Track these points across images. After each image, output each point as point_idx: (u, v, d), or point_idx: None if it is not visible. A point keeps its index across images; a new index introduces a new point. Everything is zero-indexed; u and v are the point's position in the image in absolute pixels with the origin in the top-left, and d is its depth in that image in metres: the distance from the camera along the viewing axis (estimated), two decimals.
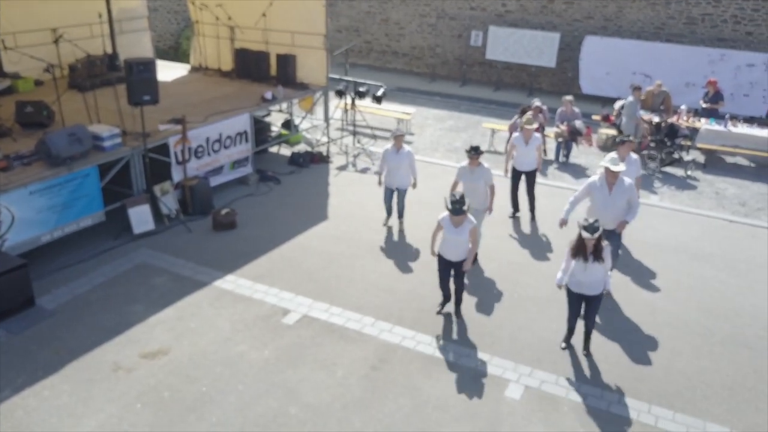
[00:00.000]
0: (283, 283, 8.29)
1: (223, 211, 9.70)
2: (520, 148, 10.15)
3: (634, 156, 9.13)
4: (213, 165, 10.62)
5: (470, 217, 7.28)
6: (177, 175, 9.94)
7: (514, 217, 10.54)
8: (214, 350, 6.95)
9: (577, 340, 7.26)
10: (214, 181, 10.68)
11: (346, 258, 9.01)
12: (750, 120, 14.46)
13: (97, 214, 8.97)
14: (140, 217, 9.27)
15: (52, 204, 8.33)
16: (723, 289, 8.64)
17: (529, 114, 13.40)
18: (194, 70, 14.44)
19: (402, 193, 9.82)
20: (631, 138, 9.21)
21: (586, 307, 6.98)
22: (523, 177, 10.31)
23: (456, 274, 7.50)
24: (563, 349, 7.21)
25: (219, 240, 9.39)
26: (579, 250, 6.66)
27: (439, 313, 7.77)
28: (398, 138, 9.52)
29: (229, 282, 8.27)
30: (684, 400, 6.54)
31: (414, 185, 9.85)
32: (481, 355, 7.07)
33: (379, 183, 9.86)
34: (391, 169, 9.63)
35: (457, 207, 7.08)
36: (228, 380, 6.50)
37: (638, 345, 7.34)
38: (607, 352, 7.19)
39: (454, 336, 7.39)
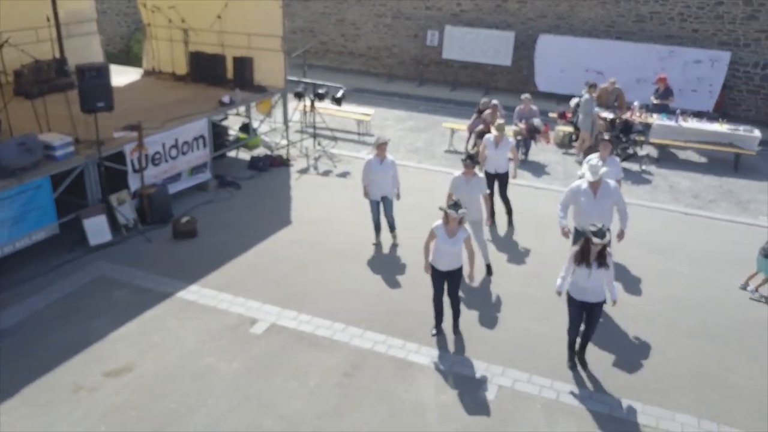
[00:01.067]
0: (249, 292, 8.11)
1: (184, 219, 9.45)
2: (490, 151, 10.03)
3: (614, 157, 9.19)
4: (171, 172, 10.33)
5: (465, 226, 7.12)
6: (134, 183, 9.63)
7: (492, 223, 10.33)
8: (180, 364, 6.75)
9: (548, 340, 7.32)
10: (173, 188, 10.39)
11: (313, 263, 8.89)
12: (699, 115, 14.90)
13: (50, 227, 8.62)
14: (96, 229, 8.95)
15: (2, 218, 7.95)
16: (683, 281, 8.85)
17: (487, 113, 13.53)
18: (147, 74, 14.07)
19: (389, 204, 9.35)
20: (607, 137, 9.21)
21: (588, 316, 6.81)
22: (495, 180, 10.16)
23: (451, 286, 7.27)
24: (570, 368, 6.95)
25: (180, 249, 9.14)
26: (584, 256, 6.51)
27: (435, 335, 7.40)
28: (382, 146, 9.02)
29: (193, 292, 8.05)
30: (652, 392, 6.66)
31: (398, 196, 9.47)
32: (453, 356, 7.06)
33: (365, 195, 9.32)
34: (375, 180, 9.12)
35: (455, 208, 6.89)
36: (197, 395, 6.31)
37: (606, 340, 7.43)
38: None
39: (426, 339, 7.35)
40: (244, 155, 12.90)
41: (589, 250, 6.47)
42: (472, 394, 6.50)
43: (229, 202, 10.80)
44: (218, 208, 10.54)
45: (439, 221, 7.08)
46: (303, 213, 10.45)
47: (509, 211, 10.39)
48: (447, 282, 7.27)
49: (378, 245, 9.51)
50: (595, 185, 7.78)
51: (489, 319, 7.78)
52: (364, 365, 6.86)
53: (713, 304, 8.33)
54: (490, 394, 6.49)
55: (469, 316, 7.80)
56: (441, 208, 7.08)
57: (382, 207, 9.35)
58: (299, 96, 13.07)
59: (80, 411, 6.06)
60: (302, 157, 12.97)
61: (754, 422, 6.29)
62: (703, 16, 16.80)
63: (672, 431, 6.15)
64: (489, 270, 8.78)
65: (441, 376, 6.73)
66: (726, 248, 9.93)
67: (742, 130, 13.61)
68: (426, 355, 7.06)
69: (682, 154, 14.33)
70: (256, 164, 12.25)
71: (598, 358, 7.13)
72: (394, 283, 8.46)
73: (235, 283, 8.31)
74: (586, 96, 13.36)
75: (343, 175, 12.22)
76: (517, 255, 9.44)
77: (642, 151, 13.80)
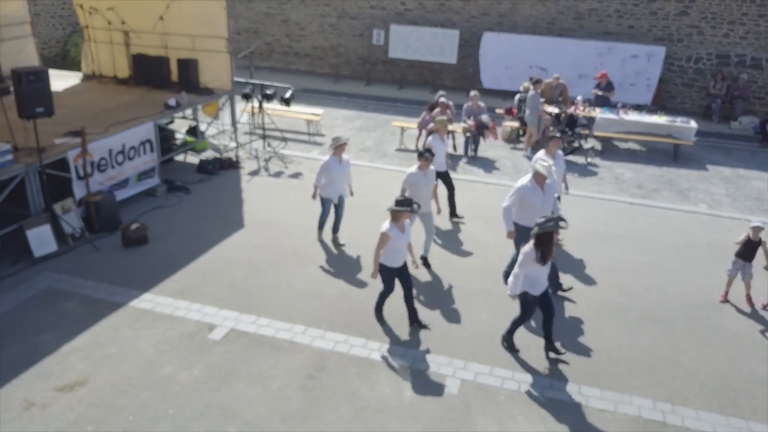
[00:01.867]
0: (206, 298, 7.95)
1: (133, 226, 9.18)
2: (436, 149, 10.09)
3: (559, 152, 9.40)
4: (118, 178, 10.02)
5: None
6: (79, 191, 9.29)
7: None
8: (138, 375, 6.55)
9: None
10: (121, 195, 10.08)
11: (269, 266, 8.78)
12: (638, 108, 15.44)
13: None
14: (41, 239, 8.59)
15: None
16: (632, 269, 9.15)
17: (437, 110, 13.67)
18: (87, 78, 13.59)
19: (343, 203, 9.43)
20: (558, 134, 9.38)
21: (547, 305, 6.97)
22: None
23: (407, 280, 7.38)
24: (508, 348, 7.17)
25: (131, 257, 8.88)
26: (549, 252, 6.59)
27: (424, 326, 7.51)
28: (340, 147, 9.02)
29: (147, 301, 7.83)
30: (609, 377, 6.86)
31: (351, 194, 9.54)
32: (415, 352, 7.10)
33: (314, 196, 9.32)
34: (334, 181, 9.13)
35: (407, 203, 7.01)
36: (157, 406, 6.15)
37: (562, 329, 7.61)
38: (534, 340, 7.41)
39: (387, 336, 7.37)
40: (193, 159, 12.63)
41: (552, 244, 6.59)
42: (436, 389, 6.55)
43: (180, 207, 10.55)
44: (168, 214, 10.28)
45: (387, 224, 7.11)
46: (256, 215, 10.31)
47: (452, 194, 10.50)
48: (401, 277, 7.36)
49: (309, 232, 9.70)
50: (541, 181, 7.92)
51: (448, 314, 7.85)
52: (326, 366, 6.82)
53: (660, 289, 8.64)
54: (454, 389, 6.55)
55: (429, 312, 7.86)
56: (390, 209, 7.12)
57: (333, 207, 9.39)
58: (247, 97, 12.89)
59: (33, 429, 5.81)
60: (252, 159, 12.79)
61: (705, 401, 6.56)
62: (638, 13, 17.41)
63: (630, 414, 6.34)
64: (426, 263, 8.91)
65: (404, 373, 6.76)
66: (670, 235, 10.32)
67: (679, 121, 14.18)
68: (388, 353, 7.07)
69: (625, 146, 14.81)
70: (205, 168, 12.01)
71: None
72: (352, 283, 8.44)
73: (191, 289, 8.13)
74: (532, 92, 13.65)
75: (295, 175, 12.12)
76: (470, 249, 9.56)
77: (587, 144, 14.20)
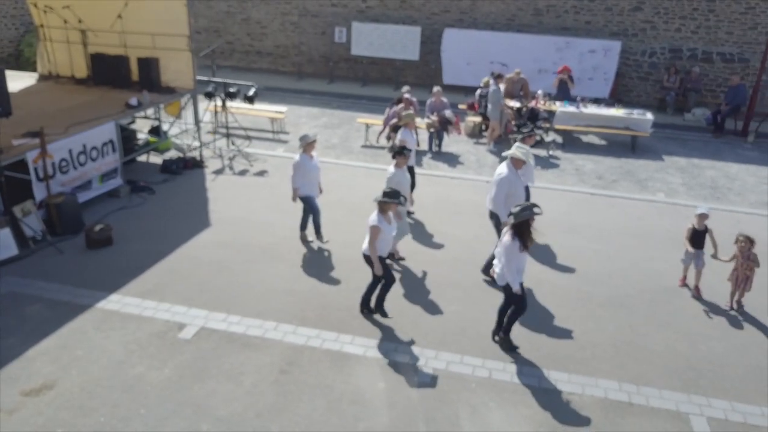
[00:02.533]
0: (174, 297, 7.88)
1: (97, 228, 9.02)
2: (410, 143, 10.08)
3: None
4: (81, 179, 9.83)
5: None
6: (39, 193, 9.09)
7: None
8: (108, 376, 6.46)
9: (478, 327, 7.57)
10: (84, 196, 9.89)
11: (237, 264, 8.74)
12: (596, 101, 15.79)
13: None
14: (0, 243, 8.38)
15: None
16: (594, 257, 9.39)
17: (401, 106, 13.75)
18: (43, 78, 13.27)
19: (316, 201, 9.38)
20: (534, 132, 9.56)
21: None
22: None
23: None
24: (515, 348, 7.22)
25: (96, 258, 8.73)
26: (529, 238, 6.65)
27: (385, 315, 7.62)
28: (310, 145, 9.01)
29: (114, 302, 7.72)
30: (576, 362, 7.04)
31: (321, 191, 9.48)
32: (387, 344, 7.17)
33: (294, 198, 9.13)
34: (310, 178, 9.07)
35: (394, 195, 7.13)
36: (128, 406, 6.08)
37: (529, 316, 7.74)
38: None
39: (359, 329, 7.42)
40: (156, 159, 12.46)
41: (530, 232, 6.68)
42: (408, 379, 6.62)
43: (144, 208, 10.41)
44: (133, 215, 10.13)
45: (375, 216, 7.15)
46: (222, 214, 10.24)
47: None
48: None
49: (277, 229, 9.71)
50: (521, 166, 8.15)
51: (419, 305, 7.95)
52: (299, 361, 6.84)
53: (622, 276, 8.90)
54: (427, 378, 6.65)
55: (399, 303, 7.94)
56: (378, 201, 7.16)
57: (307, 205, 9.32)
58: (210, 96, 12.77)
59: None
60: (216, 158, 12.68)
61: (668, 381, 6.79)
62: (594, 9, 17.80)
63: (597, 396, 6.52)
64: (393, 257, 8.89)
65: (377, 365, 6.82)
66: (629, 223, 10.62)
67: (636, 113, 14.58)
68: (360, 345, 7.13)
69: (585, 139, 15.14)
70: (168, 167, 11.86)
71: (523, 333, 7.44)
72: (322, 279, 8.46)
73: (159, 289, 8.04)
74: (493, 86, 13.85)
75: (261, 173, 12.06)
76: (437, 242, 9.67)
77: (548, 137, 14.47)
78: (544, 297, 8.28)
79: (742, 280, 8.12)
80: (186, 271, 8.51)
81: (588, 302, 8.23)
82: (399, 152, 8.63)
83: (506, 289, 6.96)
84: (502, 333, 7.22)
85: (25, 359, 6.67)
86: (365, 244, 7.36)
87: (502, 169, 8.29)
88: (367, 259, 7.36)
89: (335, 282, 8.40)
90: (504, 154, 8.44)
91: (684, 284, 8.70)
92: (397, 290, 8.25)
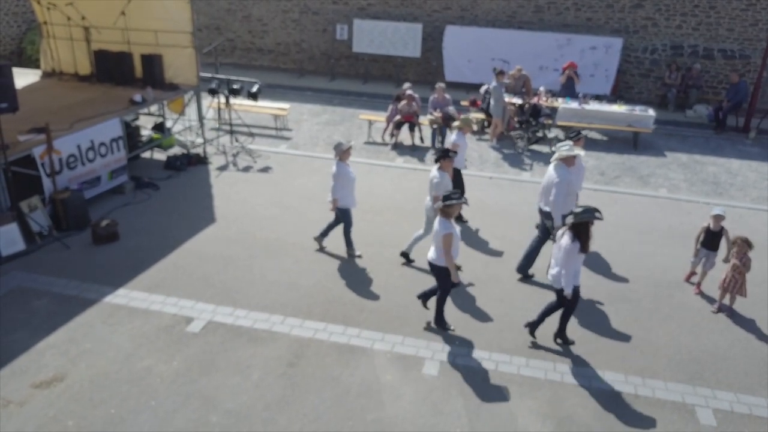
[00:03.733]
0: (181, 291, 7.91)
1: (103, 223, 9.05)
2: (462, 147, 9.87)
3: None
4: (90, 175, 9.86)
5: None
6: (48, 188, 9.12)
7: None
8: (116, 369, 6.50)
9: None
10: (92, 192, 9.93)
11: (242, 259, 8.77)
12: (598, 98, 15.83)
13: None
14: (7, 238, 8.42)
15: None
16: (598, 252, 9.41)
17: (403, 102, 13.80)
18: (47, 75, 13.30)
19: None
20: (582, 134, 9.40)
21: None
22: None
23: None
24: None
25: (102, 254, 8.76)
26: (587, 240, 6.64)
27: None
28: (346, 152, 8.64)
29: (121, 296, 7.75)
30: (582, 354, 7.09)
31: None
32: (394, 337, 7.21)
33: (333, 209, 8.72)
34: (350, 189, 8.64)
35: (457, 195, 6.91)
36: (138, 398, 6.12)
37: (534, 310, 7.78)
38: (508, 321, 7.60)
39: (365, 322, 7.46)
40: (160, 156, 12.49)
41: (590, 234, 6.66)
42: (415, 371, 6.67)
43: (149, 204, 10.44)
44: (138, 211, 10.16)
45: (443, 222, 6.86)
46: (226, 210, 10.27)
47: None
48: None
49: (280, 224, 9.56)
50: (573, 163, 8.12)
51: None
52: (306, 354, 6.88)
53: (625, 270, 8.94)
54: (433, 370, 6.69)
55: (401, 298, 7.98)
56: (442, 206, 6.90)
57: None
58: (213, 92, 12.80)
59: (12, 426, 5.73)
60: (220, 155, 12.71)
61: (673, 373, 6.84)
62: (596, 5, 17.83)
63: (602, 389, 6.57)
64: (408, 259, 8.87)
65: (384, 358, 6.86)
66: (632, 219, 10.66)
67: (638, 110, 14.61)
68: (368, 338, 7.16)
69: (587, 135, 15.16)
70: (173, 164, 11.89)
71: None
72: (327, 274, 8.50)
73: (165, 283, 8.07)
74: (494, 83, 13.88)
75: (264, 170, 12.09)
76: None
77: (551, 134, 14.51)
78: (549, 292, 8.28)
79: (730, 281, 7.88)
80: (192, 266, 8.54)
81: (592, 296, 8.26)
82: (445, 155, 8.29)
83: (559, 291, 6.89)
84: (557, 331, 7.19)
85: (34, 352, 6.71)
86: (433, 254, 7.05)
87: (557, 171, 8.11)
88: (436, 269, 7.06)
89: (340, 276, 8.44)
90: (554, 158, 8.22)
91: (689, 281, 8.70)
92: (400, 284, 8.30)
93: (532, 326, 7.25)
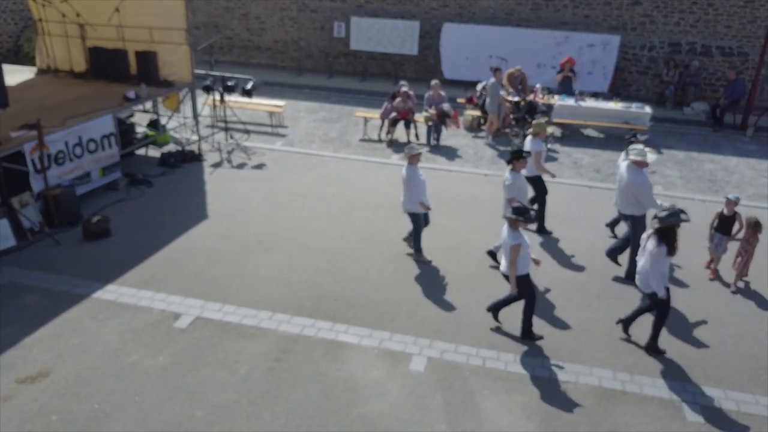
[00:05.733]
0: (170, 287, 7.91)
1: (94, 219, 9.06)
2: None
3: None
4: (78, 172, 9.86)
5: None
6: (37, 184, 9.13)
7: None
8: (102, 364, 6.50)
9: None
10: (83, 189, 9.93)
11: (233, 255, 8.76)
12: (595, 95, 15.77)
13: None
14: None
15: None
16: (591, 248, 9.39)
17: (398, 101, 13.78)
18: (42, 72, 13.31)
19: (427, 214, 8.79)
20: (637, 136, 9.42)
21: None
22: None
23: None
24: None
25: (93, 250, 8.76)
26: (675, 242, 6.61)
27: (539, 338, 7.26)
28: (416, 156, 8.45)
29: (111, 292, 7.76)
30: (570, 351, 7.06)
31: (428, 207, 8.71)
32: (382, 333, 7.19)
33: (425, 207, 8.56)
34: (422, 190, 8.48)
35: (523, 211, 6.78)
36: (123, 393, 6.12)
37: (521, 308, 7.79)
38: (498, 316, 7.55)
39: (354, 319, 7.44)
40: (154, 152, 12.49)
41: (676, 237, 6.63)
42: (402, 367, 6.65)
43: (142, 200, 10.44)
44: (131, 207, 10.17)
45: (519, 233, 6.82)
46: (219, 206, 10.26)
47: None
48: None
49: (273, 221, 9.52)
50: (644, 166, 8.17)
51: (414, 295, 7.97)
52: (294, 349, 6.87)
53: (619, 268, 8.89)
54: (420, 366, 6.67)
55: (392, 294, 7.96)
56: (507, 217, 6.86)
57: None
58: (208, 89, 12.78)
59: None
60: (215, 152, 12.70)
61: (662, 370, 6.80)
62: (593, 2, 17.76)
63: (590, 384, 6.54)
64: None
65: (372, 354, 6.84)
66: None
67: (634, 107, 14.56)
68: (355, 334, 7.15)
69: (583, 132, 15.13)
70: (167, 161, 11.89)
71: (515, 324, 7.45)
72: (317, 270, 8.48)
73: (155, 279, 8.07)
74: (492, 80, 13.85)
75: (259, 167, 12.08)
76: (435, 234, 9.66)
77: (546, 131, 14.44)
78: (540, 287, 8.28)
79: (737, 254, 8.40)
80: (182, 261, 8.54)
81: (584, 293, 8.24)
82: (517, 156, 8.16)
83: (652, 295, 6.86)
84: (650, 341, 7.10)
85: (21, 347, 6.72)
86: (504, 264, 7.04)
87: (635, 173, 8.16)
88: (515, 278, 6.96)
89: (331, 273, 8.43)
90: (630, 158, 8.23)
91: (709, 267, 8.88)
92: (392, 280, 8.28)
93: (625, 323, 7.31)
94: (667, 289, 6.84)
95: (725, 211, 8.58)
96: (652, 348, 7.08)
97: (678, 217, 6.58)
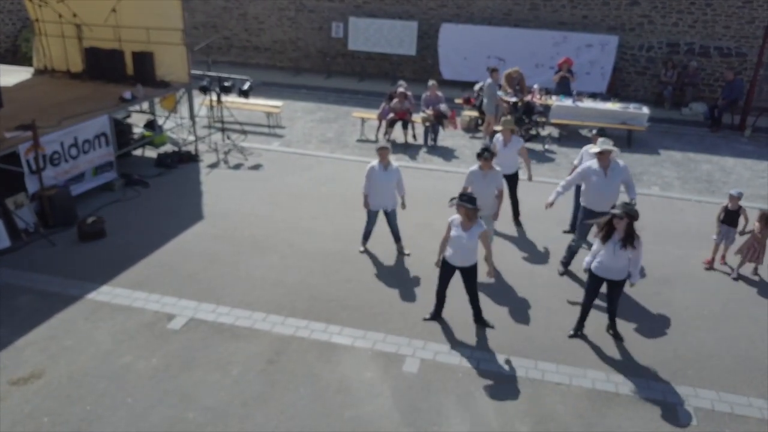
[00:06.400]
0: (165, 288, 7.90)
1: (89, 220, 9.05)
2: (499, 150, 9.69)
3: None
4: (73, 172, 9.85)
5: (480, 222, 7.02)
6: (32, 185, 9.12)
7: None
8: (95, 366, 6.49)
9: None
10: (77, 189, 9.92)
11: (228, 256, 8.76)
12: (593, 96, 15.75)
13: None
14: None
15: None
16: (585, 249, 9.35)
17: (395, 101, 13.78)
18: (39, 73, 13.30)
19: (392, 216, 8.85)
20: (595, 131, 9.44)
21: (610, 291, 7.11)
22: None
23: (468, 281, 7.20)
24: (571, 337, 7.28)
25: (88, 251, 8.76)
26: (608, 234, 6.73)
27: (428, 319, 7.45)
28: (382, 151, 8.53)
29: (105, 293, 7.75)
30: (564, 353, 7.05)
31: (403, 205, 8.94)
32: (376, 335, 7.18)
33: (366, 205, 8.75)
34: (378, 189, 8.58)
35: (470, 202, 6.85)
36: (115, 395, 6.11)
37: (519, 308, 7.79)
38: (491, 318, 7.55)
39: (348, 320, 7.43)
40: (151, 153, 12.49)
41: (614, 228, 6.69)
42: (396, 368, 6.64)
43: (138, 201, 10.44)
44: (126, 208, 10.16)
45: (455, 215, 7.01)
46: (215, 207, 10.25)
47: (516, 212, 10.23)
48: (462, 278, 7.19)
49: (268, 222, 9.55)
50: (605, 163, 8.06)
51: (407, 297, 7.96)
52: (287, 351, 6.86)
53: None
54: (413, 368, 6.66)
55: (388, 294, 7.95)
56: (453, 199, 6.96)
57: (384, 218, 8.88)
58: (205, 90, 12.78)
59: None
60: (211, 152, 12.70)
61: (656, 372, 6.79)
62: (591, 3, 17.75)
63: (584, 386, 6.53)
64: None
65: (365, 355, 6.84)
66: None
67: (632, 107, 14.54)
68: (349, 336, 7.14)
69: (581, 132, 15.11)
70: (163, 161, 11.88)
71: (513, 324, 7.46)
72: (312, 272, 8.47)
73: (149, 280, 8.07)
74: (489, 80, 13.83)
75: (255, 167, 12.08)
76: (427, 234, 9.65)
77: (544, 132, 14.45)
78: (533, 288, 8.28)
79: (749, 247, 8.70)
80: (177, 263, 8.53)
81: (577, 293, 8.19)
82: (479, 154, 8.29)
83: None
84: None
85: (14, 349, 6.71)
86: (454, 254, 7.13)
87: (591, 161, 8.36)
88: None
89: (325, 274, 8.42)
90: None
91: (710, 264, 9.06)
92: (385, 281, 8.27)
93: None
94: (592, 274, 7.07)
95: (730, 206, 8.90)
96: (578, 330, 7.33)
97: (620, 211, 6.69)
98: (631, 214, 6.64)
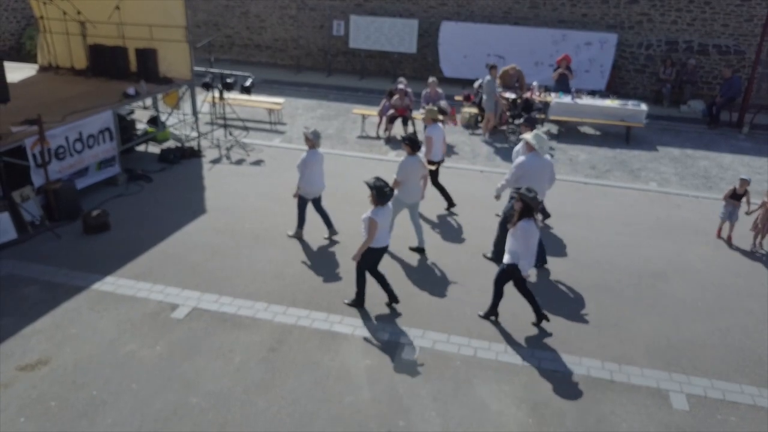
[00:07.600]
0: (168, 279, 8.04)
1: (94, 213, 9.19)
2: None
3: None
4: (77, 166, 9.99)
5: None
6: (38, 179, 9.26)
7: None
8: (100, 353, 6.63)
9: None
10: (81, 183, 10.06)
11: (230, 249, 8.89)
12: (592, 93, 15.88)
13: None
14: (0, 227, 8.56)
15: None
16: (584, 243, 9.51)
17: (396, 97, 13.90)
18: (43, 69, 13.45)
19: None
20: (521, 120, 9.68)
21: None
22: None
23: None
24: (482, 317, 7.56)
25: (92, 243, 8.90)
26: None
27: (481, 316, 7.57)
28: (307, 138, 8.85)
29: (109, 283, 7.89)
30: (560, 341, 7.17)
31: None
32: (375, 324, 7.31)
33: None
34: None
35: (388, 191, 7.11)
36: (120, 381, 6.24)
37: (518, 298, 7.89)
38: (483, 308, 7.67)
39: (348, 310, 7.56)
40: (154, 149, 12.63)
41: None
42: (395, 356, 6.77)
43: (141, 195, 10.58)
44: (130, 202, 10.30)
45: (376, 207, 7.13)
46: (217, 202, 10.39)
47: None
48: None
49: (267, 216, 9.80)
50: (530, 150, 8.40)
51: (407, 288, 8.08)
52: (288, 340, 6.99)
53: (611, 261, 9.02)
54: (412, 355, 6.79)
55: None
56: (366, 182, 7.18)
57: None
58: (207, 86, 12.93)
59: None
60: (214, 148, 12.84)
61: (650, 360, 6.92)
62: (591, 1, 17.88)
63: (579, 374, 6.66)
64: (421, 251, 8.98)
65: (365, 343, 6.97)
66: (620, 212, 10.73)
67: (630, 104, 14.67)
68: (350, 324, 7.28)
69: (580, 129, 15.24)
70: (166, 157, 12.02)
71: (511, 315, 7.58)
72: (313, 263, 8.60)
73: (153, 271, 8.20)
74: (488, 77, 13.96)
75: (257, 163, 12.22)
76: (429, 228, 9.80)
77: (543, 128, 14.57)
78: (532, 281, 8.40)
79: (762, 221, 9.39)
80: (180, 255, 8.67)
81: (576, 286, 8.35)
82: (402, 140, 8.65)
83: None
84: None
85: (21, 337, 6.85)
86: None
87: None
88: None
89: (326, 266, 8.55)
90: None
91: (720, 236, 9.88)
92: (386, 273, 8.35)
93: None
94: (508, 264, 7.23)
95: (738, 189, 9.60)
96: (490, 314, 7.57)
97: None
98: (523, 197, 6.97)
